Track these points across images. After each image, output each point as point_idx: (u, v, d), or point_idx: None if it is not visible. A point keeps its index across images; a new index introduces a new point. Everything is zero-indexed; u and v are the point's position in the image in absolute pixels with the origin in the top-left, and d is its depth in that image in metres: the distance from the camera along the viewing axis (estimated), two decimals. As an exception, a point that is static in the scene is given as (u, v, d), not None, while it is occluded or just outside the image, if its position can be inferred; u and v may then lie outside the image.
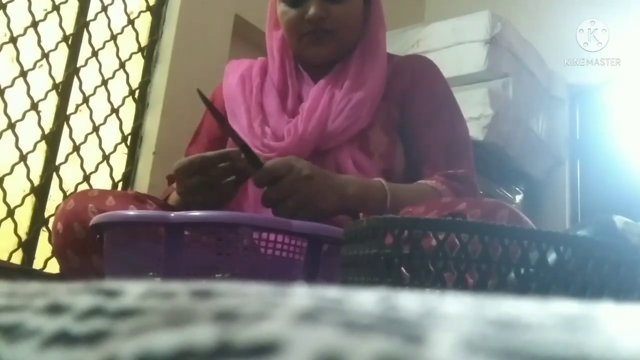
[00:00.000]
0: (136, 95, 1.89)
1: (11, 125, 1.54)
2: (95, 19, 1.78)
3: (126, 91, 1.86)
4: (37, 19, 1.62)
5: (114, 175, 1.80)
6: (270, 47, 1.16)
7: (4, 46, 1.55)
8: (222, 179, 0.89)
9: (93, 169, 1.73)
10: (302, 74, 1.14)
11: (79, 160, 1.71)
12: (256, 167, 0.86)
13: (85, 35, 1.76)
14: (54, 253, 1.01)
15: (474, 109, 2.08)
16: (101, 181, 1.76)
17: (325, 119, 1.05)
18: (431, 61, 1.19)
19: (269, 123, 1.09)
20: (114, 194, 0.99)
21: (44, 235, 1.61)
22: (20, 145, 1.55)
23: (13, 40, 1.56)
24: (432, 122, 1.10)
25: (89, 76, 1.75)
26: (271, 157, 1.02)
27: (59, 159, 1.66)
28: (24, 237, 1.56)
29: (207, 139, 1.18)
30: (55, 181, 1.64)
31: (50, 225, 1.60)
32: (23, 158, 1.56)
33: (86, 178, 1.71)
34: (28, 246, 1.57)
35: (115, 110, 1.81)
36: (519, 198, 2.45)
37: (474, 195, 1.07)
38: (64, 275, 1.01)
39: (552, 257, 0.54)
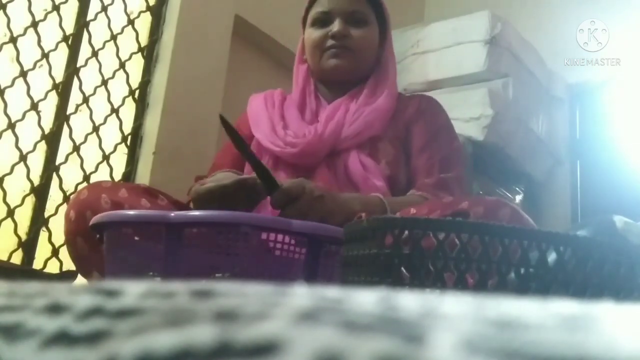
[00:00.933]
0: (136, 95, 1.89)
1: (11, 125, 1.54)
2: (95, 19, 1.78)
3: (126, 91, 1.86)
4: (37, 19, 1.62)
5: (114, 175, 1.80)
6: (297, 77, 1.32)
7: (4, 46, 1.55)
8: (239, 203, 0.94)
9: (93, 169, 1.73)
10: (320, 97, 1.28)
11: (79, 160, 1.71)
12: (272, 188, 0.92)
13: (85, 35, 1.76)
14: (65, 240, 1.04)
15: (474, 109, 2.08)
16: (101, 181, 1.75)
17: (341, 126, 1.17)
18: (434, 99, 1.32)
19: (290, 128, 1.20)
20: (126, 186, 1.02)
21: (44, 235, 1.61)
22: (20, 145, 1.55)
23: (13, 40, 1.56)
24: (430, 144, 1.20)
25: (89, 76, 1.75)
26: (294, 152, 1.14)
27: (59, 159, 1.66)
28: (24, 237, 1.56)
29: (234, 150, 1.25)
30: (55, 181, 1.64)
31: (50, 225, 1.60)
32: (23, 158, 1.56)
33: (86, 178, 1.71)
34: (28, 246, 1.56)
35: (115, 110, 1.81)
36: (519, 198, 2.45)
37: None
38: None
39: (552, 257, 0.54)
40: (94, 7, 1.79)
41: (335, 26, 1.22)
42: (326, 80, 1.28)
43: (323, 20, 1.24)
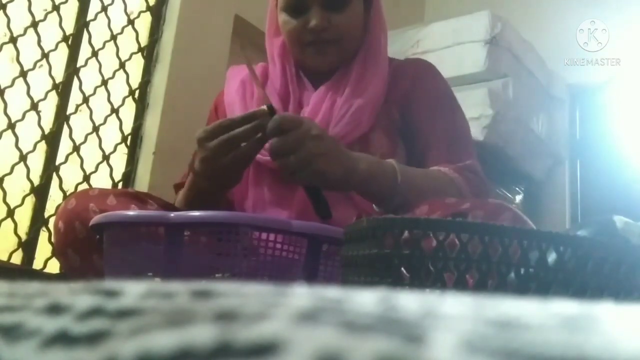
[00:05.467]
0: (136, 95, 1.89)
1: (11, 125, 1.54)
2: (95, 19, 1.78)
3: (126, 91, 1.86)
4: (37, 19, 1.62)
5: (114, 175, 1.80)
6: (271, 53, 1.16)
7: (4, 46, 1.55)
8: (246, 140, 0.86)
9: (93, 169, 1.74)
10: (303, 80, 1.14)
11: (79, 160, 1.71)
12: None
13: (85, 35, 1.76)
14: (55, 252, 1.02)
15: (474, 109, 2.08)
16: (101, 181, 1.76)
17: (327, 124, 1.05)
18: (430, 63, 1.19)
19: None
20: (115, 193, 0.99)
21: (44, 235, 1.61)
22: (20, 145, 1.55)
23: (13, 40, 1.56)
24: (432, 117, 1.10)
25: (89, 76, 1.75)
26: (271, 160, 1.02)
27: (59, 159, 1.66)
28: (24, 237, 1.56)
29: None
30: (55, 181, 1.64)
31: (50, 225, 1.60)
32: (23, 158, 1.56)
33: (86, 178, 1.72)
34: (28, 246, 1.57)
35: (115, 110, 1.82)
36: (519, 198, 2.45)
37: (485, 186, 1.05)
38: (64, 275, 1.01)
39: (552, 257, 0.54)
40: (94, 7, 1.79)
41: (313, 18, 1.05)
42: (309, 71, 1.14)
43: (296, 8, 1.07)
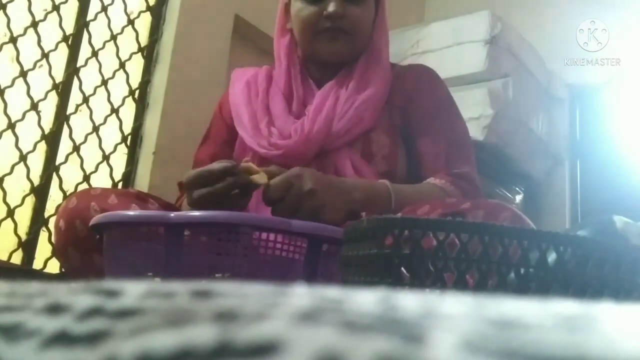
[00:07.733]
0: (136, 95, 1.89)
1: (11, 125, 1.54)
2: (95, 19, 1.78)
3: (126, 91, 1.86)
4: (37, 19, 1.62)
5: (114, 175, 1.80)
6: (278, 52, 1.19)
7: (4, 46, 1.55)
8: (227, 193, 0.89)
9: (93, 169, 1.73)
10: (307, 79, 1.17)
11: (79, 160, 1.71)
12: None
13: (85, 35, 1.76)
14: (55, 250, 1.02)
15: (474, 109, 2.08)
16: (101, 181, 1.76)
17: (331, 120, 1.07)
18: (432, 70, 1.22)
19: (275, 124, 1.11)
20: (116, 192, 1.00)
21: (44, 235, 1.61)
22: (20, 145, 1.55)
23: (13, 40, 1.56)
24: (431, 125, 1.12)
25: (89, 76, 1.75)
26: (278, 154, 1.06)
27: (59, 159, 1.66)
28: (24, 237, 1.56)
29: (215, 143, 1.20)
30: (55, 181, 1.64)
31: (50, 225, 1.60)
32: (23, 158, 1.56)
33: (86, 178, 1.72)
34: (28, 246, 1.57)
35: (115, 110, 1.81)
36: (519, 198, 2.45)
37: (478, 195, 1.07)
38: (64, 275, 1.01)
39: (552, 257, 0.54)
40: (94, 7, 1.79)
41: (331, 5, 1.08)
42: (317, 62, 1.17)
43: None
